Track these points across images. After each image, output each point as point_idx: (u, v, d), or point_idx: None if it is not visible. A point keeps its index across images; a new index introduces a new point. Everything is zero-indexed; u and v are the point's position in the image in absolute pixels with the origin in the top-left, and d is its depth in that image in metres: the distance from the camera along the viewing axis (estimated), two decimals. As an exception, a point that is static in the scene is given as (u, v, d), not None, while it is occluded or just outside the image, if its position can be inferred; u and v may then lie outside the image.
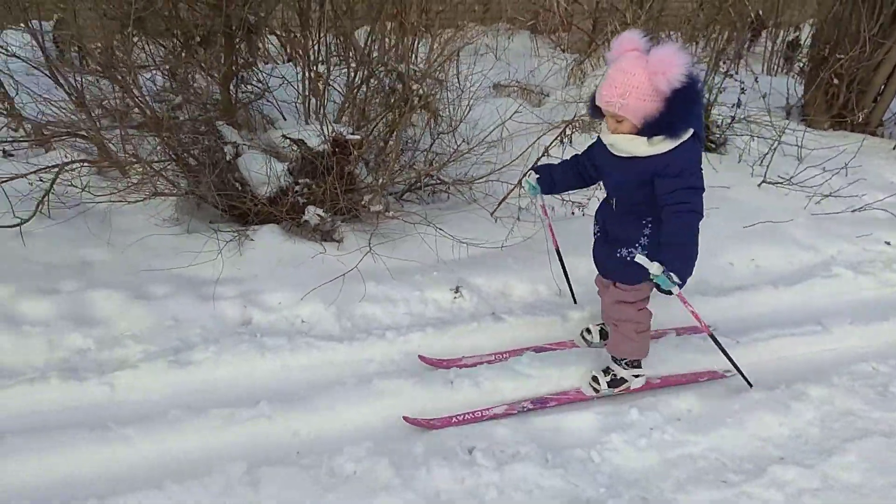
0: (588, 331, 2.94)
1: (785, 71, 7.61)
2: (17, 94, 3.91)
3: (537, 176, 2.67)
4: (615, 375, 2.61)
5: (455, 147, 3.93)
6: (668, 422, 2.45)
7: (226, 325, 2.86)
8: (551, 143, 3.69)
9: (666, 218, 2.24)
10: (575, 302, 3.08)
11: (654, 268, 2.19)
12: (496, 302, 3.14)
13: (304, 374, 2.61)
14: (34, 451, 2.15)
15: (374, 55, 4.02)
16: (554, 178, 2.66)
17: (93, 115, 3.97)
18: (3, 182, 3.53)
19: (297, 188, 3.56)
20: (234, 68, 4.22)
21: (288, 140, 3.59)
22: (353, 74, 4.03)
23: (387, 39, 4.34)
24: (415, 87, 3.91)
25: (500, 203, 3.81)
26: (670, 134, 2.16)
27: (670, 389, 2.64)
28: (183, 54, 4.10)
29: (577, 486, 2.17)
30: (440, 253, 3.37)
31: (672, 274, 2.16)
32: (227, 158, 3.54)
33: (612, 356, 2.63)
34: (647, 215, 2.38)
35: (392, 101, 3.99)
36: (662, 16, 5.29)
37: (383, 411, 2.41)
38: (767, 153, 4.53)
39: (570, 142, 3.76)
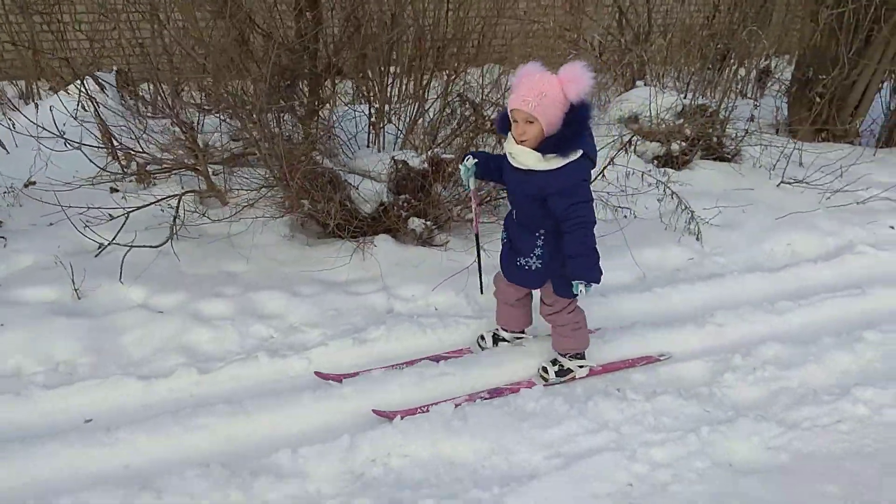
0: (482, 337, 3.12)
1: (759, 94, 8.51)
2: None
3: (475, 160, 2.73)
4: (562, 366, 2.88)
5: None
6: (764, 364, 3.00)
7: (377, 312, 3.34)
8: (617, 152, 4.30)
9: (566, 233, 2.45)
10: (482, 293, 3.26)
11: (575, 287, 2.46)
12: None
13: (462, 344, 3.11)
14: (268, 411, 2.59)
15: (450, 88, 4.61)
16: (489, 164, 2.73)
17: (201, 150, 4.47)
18: (136, 210, 3.99)
19: (400, 202, 4.09)
20: (316, 105, 4.79)
21: (393, 161, 4.11)
22: (417, 106, 4.62)
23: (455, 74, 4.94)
24: (486, 113, 4.52)
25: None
26: (561, 152, 2.35)
27: (756, 339, 3.18)
28: (274, 95, 4.63)
29: (709, 412, 2.70)
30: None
31: (589, 283, 2.45)
32: (343, 181, 4.06)
33: (557, 351, 2.90)
34: (540, 228, 2.59)
35: (462, 126, 4.59)
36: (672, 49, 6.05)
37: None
38: (779, 159, 5.26)
39: (635, 149, 4.38)
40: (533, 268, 2.67)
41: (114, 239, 3.74)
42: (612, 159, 4.28)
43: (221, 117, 4.80)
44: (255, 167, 4.88)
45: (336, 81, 5.14)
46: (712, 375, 2.93)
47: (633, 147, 5.44)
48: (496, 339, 3.10)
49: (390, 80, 5.00)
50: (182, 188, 4.48)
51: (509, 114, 2.43)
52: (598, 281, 2.47)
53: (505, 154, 2.55)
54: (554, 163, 2.38)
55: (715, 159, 5.66)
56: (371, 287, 3.54)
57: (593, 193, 2.52)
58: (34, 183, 4.29)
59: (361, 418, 2.60)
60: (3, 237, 3.85)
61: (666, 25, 6.51)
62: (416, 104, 5.11)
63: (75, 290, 3.30)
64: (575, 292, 2.49)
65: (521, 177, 2.49)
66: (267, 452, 2.37)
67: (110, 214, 4.05)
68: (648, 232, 4.21)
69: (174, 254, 3.67)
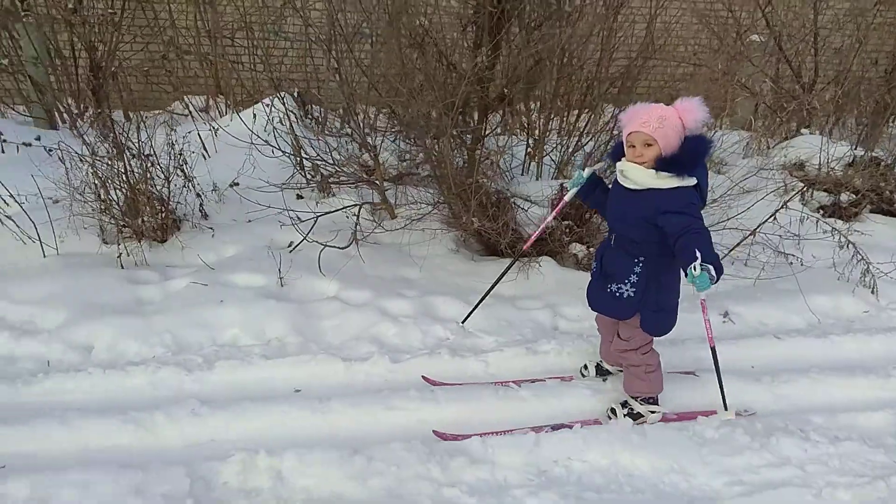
0: (585, 367, 3.11)
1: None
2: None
3: (590, 175, 2.78)
4: (632, 409, 2.79)
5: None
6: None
7: (545, 327, 3.50)
8: (790, 198, 4.25)
9: (684, 239, 2.30)
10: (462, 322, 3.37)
11: (697, 266, 2.22)
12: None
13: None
14: (454, 402, 2.80)
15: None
16: (595, 189, 2.80)
17: (381, 167, 4.88)
18: (324, 214, 4.41)
19: (563, 227, 4.25)
20: (483, 133, 5.07)
21: (561, 187, 4.30)
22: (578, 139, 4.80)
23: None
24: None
25: (731, 249, 4.37)
26: (678, 172, 2.35)
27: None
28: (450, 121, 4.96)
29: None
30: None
31: (710, 266, 2.24)
32: (511, 203, 4.30)
33: (627, 394, 2.81)
34: (640, 255, 2.54)
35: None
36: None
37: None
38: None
39: (801, 197, 4.32)
40: (625, 295, 2.58)
41: (305, 237, 4.15)
42: (785, 203, 4.23)
43: (395, 139, 5.22)
44: (421, 186, 5.25)
45: (503, 111, 5.44)
46: (898, 429, 2.83)
47: (800, 195, 5.31)
48: (599, 371, 3.09)
49: (550, 114, 5.24)
50: (360, 199, 4.89)
51: (625, 140, 2.46)
52: (720, 276, 2.28)
53: (615, 182, 2.57)
54: (668, 182, 2.38)
55: (885, 214, 5.40)
56: (536, 304, 3.71)
57: (761, 236, 2.50)
58: (238, 184, 4.84)
59: (538, 420, 2.74)
60: (211, 228, 4.38)
61: (837, 74, 6.32)
62: (578, 137, 5.31)
63: (280, 278, 3.71)
64: (693, 273, 2.24)
65: (632, 197, 2.47)
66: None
67: (299, 217, 4.50)
68: (820, 280, 4.10)
69: (359, 256, 4.02)
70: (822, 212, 5.28)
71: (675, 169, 2.36)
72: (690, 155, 2.38)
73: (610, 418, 2.79)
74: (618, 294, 2.60)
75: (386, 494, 2.31)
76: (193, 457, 2.42)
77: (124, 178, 4.04)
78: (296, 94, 6.85)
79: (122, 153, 4.13)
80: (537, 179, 5.33)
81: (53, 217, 3.97)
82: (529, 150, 5.52)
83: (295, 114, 6.17)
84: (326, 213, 4.46)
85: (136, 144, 4.11)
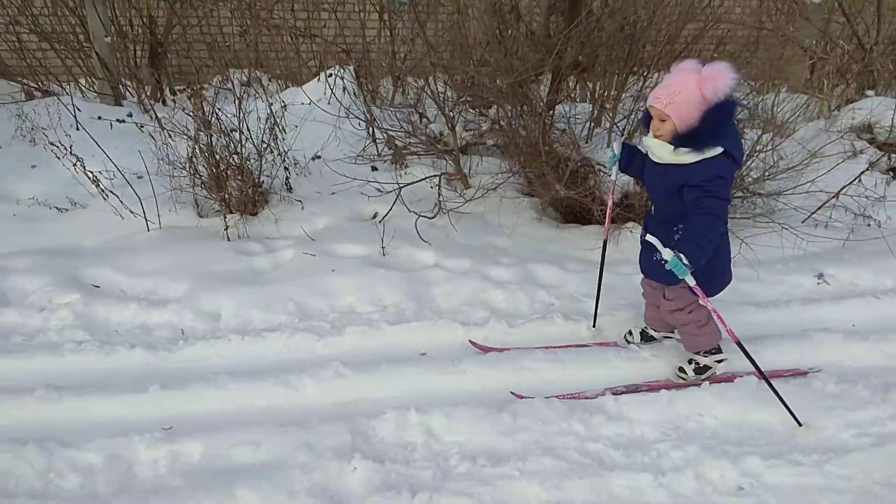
0: (630, 333, 3.15)
1: None
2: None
3: (621, 148, 2.78)
4: (698, 364, 2.85)
5: (771, 164, 4.56)
6: None
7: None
8: (878, 159, 4.27)
9: (691, 217, 2.42)
10: (594, 325, 3.26)
11: (666, 252, 2.39)
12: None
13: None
14: (581, 364, 2.91)
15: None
16: (634, 159, 2.78)
17: (457, 136, 4.93)
18: (407, 185, 4.49)
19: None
20: (555, 99, 5.08)
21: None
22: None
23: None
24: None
25: (811, 214, 4.41)
26: (695, 147, 2.34)
27: None
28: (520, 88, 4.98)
29: None
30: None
31: (682, 255, 2.34)
32: (593, 170, 4.35)
33: (691, 352, 2.88)
34: (678, 222, 2.56)
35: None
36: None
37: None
38: None
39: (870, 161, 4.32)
40: (647, 237, 2.60)
41: (392, 207, 4.25)
42: (871, 165, 4.25)
43: (462, 110, 5.26)
44: (489, 156, 5.31)
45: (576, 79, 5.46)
46: None
47: (866, 158, 5.31)
48: (644, 337, 3.13)
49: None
50: (435, 170, 4.96)
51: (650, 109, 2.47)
52: (694, 265, 2.37)
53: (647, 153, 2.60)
54: (688, 157, 2.38)
55: (956, 176, 5.39)
56: (631, 269, 3.78)
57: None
58: (320, 157, 4.92)
59: (663, 376, 2.86)
60: (299, 201, 4.48)
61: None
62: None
63: (382, 247, 3.81)
64: (664, 256, 2.41)
65: (660, 171, 2.52)
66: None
67: (380, 189, 4.59)
68: (904, 241, 4.14)
69: (450, 224, 4.11)
70: (892, 174, 5.28)
71: (693, 144, 2.35)
72: (711, 127, 2.33)
73: (680, 378, 2.87)
74: (662, 261, 2.55)
75: (536, 447, 2.43)
76: (349, 414, 2.55)
77: (220, 153, 4.13)
78: (353, 68, 6.89)
79: (209, 128, 4.22)
80: (608, 146, 5.37)
81: (147, 193, 4.08)
82: (594, 117, 5.54)
83: (353, 88, 6.23)
84: (409, 183, 4.55)
85: (225, 119, 4.18)
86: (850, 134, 5.59)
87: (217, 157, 4.14)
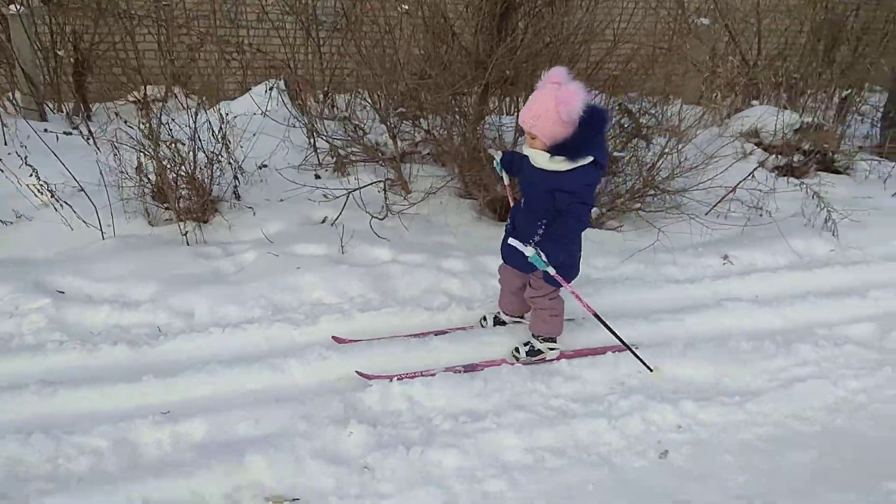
0: (485, 318, 3.43)
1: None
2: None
3: (501, 156, 3.10)
4: (532, 347, 3.12)
5: (677, 165, 5.16)
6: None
7: (582, 277, 4.01)
8: (765, 159, 4.94)
9: (560, 218, 2.72)
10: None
11: (527, 250, 2.71)
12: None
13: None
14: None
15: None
16: (512, 161, 3.07)
17: (398, 145, 5.26)
18: (356, 190, 4.76)
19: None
20: (483, 113, 5.52)
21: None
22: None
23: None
24: (642, 121, 5.22)
25: (717, 203, 5.03)
26: (569, 157, 2.63)
27: None
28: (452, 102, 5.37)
29: (886, 357, 3.30)
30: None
31: (541, 253, 2.71)
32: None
33: (532, 333, 3.17)
34: (542, 217, 2.81)
35: (620, 131, 5.28)
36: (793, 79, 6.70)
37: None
38: (890, 175, 5.85)
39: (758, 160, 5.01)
40: (529, 253, 2.83)
41: (341, 212, 4.51)
42: (761, 164, 4.93)
43: (405, 120, 5.60)
44: (426, 163, 5.67)
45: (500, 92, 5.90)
46: (882, 334, 3.52)
47: (755, 157, 6.07)
48: (496, 321, 3.40)
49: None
50: (376, 177, 5.25)
51: None
52: (553, 263, 2.76)
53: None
54: (562, 165, 2.65)
55: (828, 171, 6.25)
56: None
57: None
58: (266, 166, 5.08)
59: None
60: (250, 208, 4.64)
61: (780, 51, 7.16)
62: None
63: (342, 246, 4.06)
64: (526, 253, 2.73)
65: (537, 174, 2.77)
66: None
67: (326, 195, 4.84)
68: (790, 228, 4.81)
69: (402, 226, 4.42)
70: (777, 172, 6.07)
71: (567, 154, 2.63)
72: (581, 139, 2.61)
73: (515, 357, 3.14)
74: (526, 256, 2.82)
75: (508, 405, 2.77)
76: (339, 389, 2.79)
77: (170, 164, 4.24)
78: (283, 81, 7.07)
79: (157, 139, 4.32)
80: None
81: (95, 204, 4.13)
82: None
83: (285, 101, 6.44)
84: (358, 188, 4.81)
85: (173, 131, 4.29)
86: (740, 138, 6.36)
87: (167, 167, 4.24)
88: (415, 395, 2.81)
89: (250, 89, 6.81)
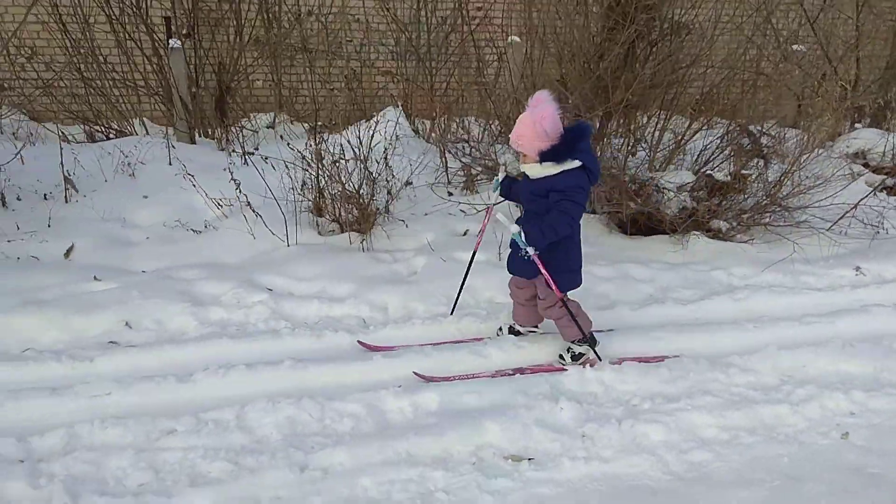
0: (500, 329, 3.60)
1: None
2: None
3: (503, 177, 3.38)
4: (574, 352, 3.30)
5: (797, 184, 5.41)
6: None
7: (724, 284, 4.33)
8: (881, 182, 5.17)
9: (549, 213, 2.97)
10: (451, 313, 3.77)
11: (513, 228, 2.98)
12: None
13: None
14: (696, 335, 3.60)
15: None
16: (511, 188, 3.36)
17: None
18: (496, 203, 5.17)
19: (708, 206, 5.10)
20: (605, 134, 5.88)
21: (702, 174, 5.15)
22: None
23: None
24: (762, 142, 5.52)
25: (839, 219, 5.26)
26: (556, 161, 2.94)
27: None
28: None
29: None
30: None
31: (524, 233, 2.96)
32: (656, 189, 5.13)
33: (567, 342, 3.32)
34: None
35: (738, 152, 5.57)
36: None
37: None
38: None
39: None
40: (530, 258, 3.08)
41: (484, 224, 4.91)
42: (883, 182, 5.14)
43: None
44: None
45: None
46: None
47: (862, 178, 6.27)
48: (512, 331, 3.57)
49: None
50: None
51: None
52: (533, 245, 3.00)
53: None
54: (552, 169, 2.96)
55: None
56: (705, 268, 4.54)
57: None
58: (411, 183, 5.57)
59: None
60: (402, 221, 5.11)
61: (880, 75, 7.35)
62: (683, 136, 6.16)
63: (499, 253, 4.48)
64: (511, 230, 3.01)
65: (534, 184, 3.06)
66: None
67: (464, 211, 5.29)
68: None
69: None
70: (886, 192, 6.24)
71: (554, 158, 2.96)
72: (563, 146, 2.94)
73: (560, 363, 3.33)
74: (526, 258, 3.09)
75: (696, 390, 3.09)
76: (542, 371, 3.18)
77: (338, 181, 4.75)
78: (399, 107, 7.63)
79: (321, 159, 4.85)
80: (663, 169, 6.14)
81: (269, 217, 4.66)
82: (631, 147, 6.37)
83: (406, 124, 6.97)
84: (496, 203, 5.23)
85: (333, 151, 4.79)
86: (847, 160, 6.57)
87: (338, 184, 4.76)
88: (606, 379, 3.16)
89: (373, 117, 7.37)
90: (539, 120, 2.91)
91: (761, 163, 5.62)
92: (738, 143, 5.61)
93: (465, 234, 5.16)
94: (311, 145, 4.90)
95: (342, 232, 4.96)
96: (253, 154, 5.33)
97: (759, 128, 5.61)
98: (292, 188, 4.87)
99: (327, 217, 4.99)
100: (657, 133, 5.79)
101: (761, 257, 4.69)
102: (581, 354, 3.32)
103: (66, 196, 5.20)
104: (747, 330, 3.68)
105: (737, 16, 6.05)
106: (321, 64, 8.15)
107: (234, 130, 7.02)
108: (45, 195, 5.23)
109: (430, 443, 2.67)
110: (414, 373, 3.16)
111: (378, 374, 3.14)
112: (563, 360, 3.33)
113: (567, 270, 3.22)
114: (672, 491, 2.54)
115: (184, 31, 7.29)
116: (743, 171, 5.13)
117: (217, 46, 7.44)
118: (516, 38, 7.15)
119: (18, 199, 5.16)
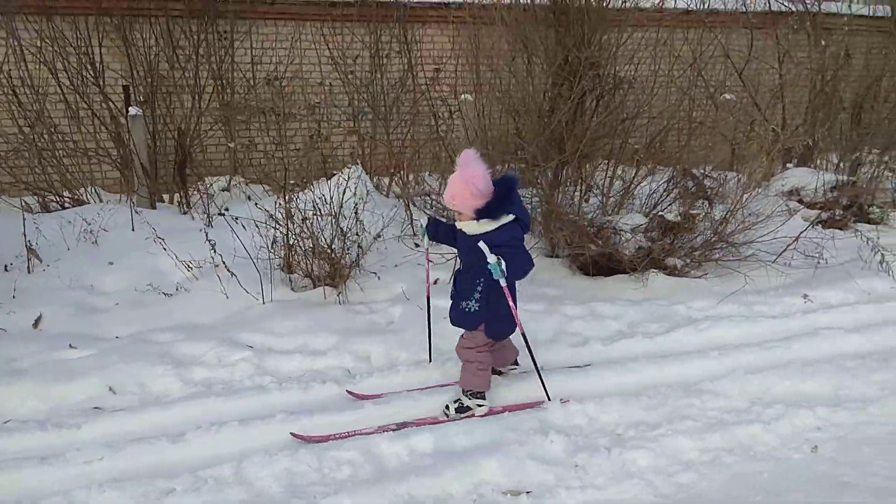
0: None
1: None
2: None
3: (427, 223, 3.52)
4: (461, 403, 3.31)
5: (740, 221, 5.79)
6: None
7: (683, 316, 4.57)
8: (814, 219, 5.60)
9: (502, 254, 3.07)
10: (430, 360, 3.84)
11: (492, 257, 3.03)
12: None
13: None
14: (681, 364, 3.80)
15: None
16: (438, 230, 3.48)
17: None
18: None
19: (662, 245, 5.39)
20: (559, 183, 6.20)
21: (655, 216, 5.47)
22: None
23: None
24: (706, 183, 5.91)
25: (783, 251, 5.64)
26: (492, 217, 3.09)
27: None
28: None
29: None
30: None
31: (502, 260, 3.03)
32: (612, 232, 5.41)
33: (461, 388, 3.36)
34: (479, 276, 3.22)
35: (682, 194, 5.95)
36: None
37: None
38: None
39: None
40: (471, 310, 3.25)
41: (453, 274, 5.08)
42: (819, 216, 5.57)
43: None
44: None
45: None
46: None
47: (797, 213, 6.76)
48: (494, 371, 3.59)
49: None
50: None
51: None
52: (508, 274, 3.10)
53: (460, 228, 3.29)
54: (489, 225, 3.10)
55: (865, 222, 6.93)
56: (665, 303, 4.79)
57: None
58: (380, 236, 5.70)
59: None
60: (374, 273, 5.22)
61: (805, 119, 8.00)
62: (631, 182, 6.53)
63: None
64: (489, 260, 3.04)
65: (470, 240, 3.18)
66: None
67: (431, 260, 5.43)
68: (851, 270, 5.40)
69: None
70: (821, 225, 6.73)
71: (490, 215, 3.10)
72: (497, 202, 3.09)
73: (446, 414, 3.32)
74: (467, 309, 3.25)
75: (675, 416, 3.26)
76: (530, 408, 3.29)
77: (309, 238, 4.85)
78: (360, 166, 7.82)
79: (291, 217, 4.96)
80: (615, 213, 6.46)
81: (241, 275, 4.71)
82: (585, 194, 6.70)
83: (367, 181, 7.15)
84: (428, 248, 5.39)
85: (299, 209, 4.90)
86: (783, 197, 7.07)
87: (308, 240, 4.86)
88: (589, 411, 3.30)
89: (333, 174, 7.53)
90: (470, 179, 3.02)
91: (705, 203, 6.03)
92: (683, 185, 6.00)
93: (435, 282, 5.29)
94: (280, 204, 5.01)
95: (314, 287, 5.03)
96: (223, 214, 5.38)
97: (702, 171, 6.01)
98: (262, 246, 4.94)
99: (299, 273, 5.06)
100: (607, 180, 6.13)
101: (716, 290, 4.98)
102: (468, 408, 3.32)
103: (28, 266, 5.13)
104: (713, 357, 3.89)
105: (673, 70, 6.56)
106: (273, 127, 8.33)
107: (195, 194, 7.07)
108: (5, 266, 5.14)
109: (430, 483, 2.73)
110: (291, 433, 3.09)
111: (369, 421, 3.20)
112: (448, 411, 3.31)
113: (510, 315, 3.32)
114: (665, 512, 2.67)
115: (141, 99, 7.36)
116: (691, 211, 5.47)
117: (171, 113, 7.53)
118: (468, 97, 7.51)
119: (-24, 271, 5.06)
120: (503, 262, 3.05)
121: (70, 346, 3.93)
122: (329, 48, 8.17)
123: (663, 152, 6.36)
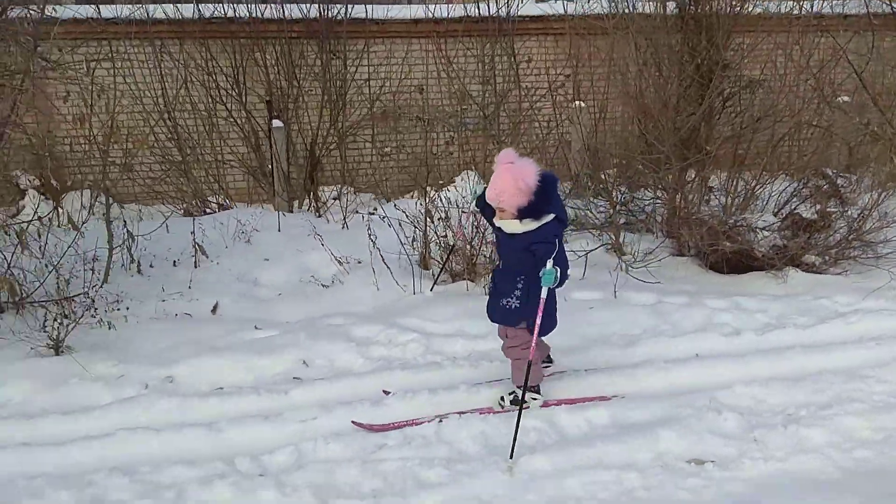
0: (503, 398, 3.40)
1: None
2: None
3: (481, 193, 3.29)
4: (516, 397, 3.27)
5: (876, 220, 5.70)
6: None
7: (830, 310, 4.58)
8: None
9: (544, 255, 3.03)
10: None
11: (549, 263, 3.02)
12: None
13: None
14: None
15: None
16: (486, 206, 3.24)
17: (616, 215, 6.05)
18: (592, 251, 5.53)
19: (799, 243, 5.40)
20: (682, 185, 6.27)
21: (790, 214, 5.49)
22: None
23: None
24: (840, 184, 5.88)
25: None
26: (535, 217, 3.04)
27: None
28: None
29: None
30: None
31: (557, 268, 3.02)
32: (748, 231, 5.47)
33: (515, 385, 3.36)
34: (520, 274, 3.20)
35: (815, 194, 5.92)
36: None
37: None
38: None
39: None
40: (512, 307, 3.23)
41: (584, 271, 5.27)
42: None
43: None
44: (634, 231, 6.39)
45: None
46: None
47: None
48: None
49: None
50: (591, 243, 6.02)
51: None
52: (561, 283, 3.11)
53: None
54: (532, 225, 3.06)
55: None
56: (808, 297, 4.81)
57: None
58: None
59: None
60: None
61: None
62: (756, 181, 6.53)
63: (615, 292, 4.81)
64: (547, 267, 3.03)
65: (513, 239, 3.15)
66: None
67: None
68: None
69: (649, 273, 5.14)
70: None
71: (533, 215, 3.06)
72: (540, 202, 3.02)
73: (501, 406, 3.35)
74: (507, 306, 3.24)
75: (844, 399, 3.34)
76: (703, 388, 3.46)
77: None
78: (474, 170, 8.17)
79: (431, 218, 5.30)
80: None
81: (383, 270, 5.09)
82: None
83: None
84: (590, 251, 5.59)
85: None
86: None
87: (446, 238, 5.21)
88: (756, 394, 3.42)
89: (454, 181, 7.90)
90: (521, 176, 2.98)
91: (839, 203, 5.99)
92: (815, 185, 5.98)
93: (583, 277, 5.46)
94: (420, 205, 5.38)
95: (454, 281, 5.34)
96: (373, 214, 5.80)
97: (835, 171, 5.97)
98: (404, 243, 5.31)
99: (436, 269, 5.39)
100: (732, 180, 6.18)
101: (857, 286, 4.96)
102: (523, 401, 3.25)
103: (195, 261, 5.68)
104: (870, 348, 3.94)
105: (804, 73, 6.53)
106: (392, 136, 8.77)
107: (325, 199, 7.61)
108: (174, 262, 5.71)
109: (619, 448, 2.94)
110: (352, 421, 3.20)
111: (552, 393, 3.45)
112: (503, 402, 3.36)
113: (553, 313, 3.35)
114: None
115: (275, 114, 7.96)
116: (828, 209, 5.46)
117: (301, 126, 8.08)
118: (581, 103, 7.73)
119: (151, 265, 5.64)
120: (558, 271, 3.05)
121: (255, 327, 4.38)
122: (439, 62, 8.55)
123: (795, 153, 6.36)
